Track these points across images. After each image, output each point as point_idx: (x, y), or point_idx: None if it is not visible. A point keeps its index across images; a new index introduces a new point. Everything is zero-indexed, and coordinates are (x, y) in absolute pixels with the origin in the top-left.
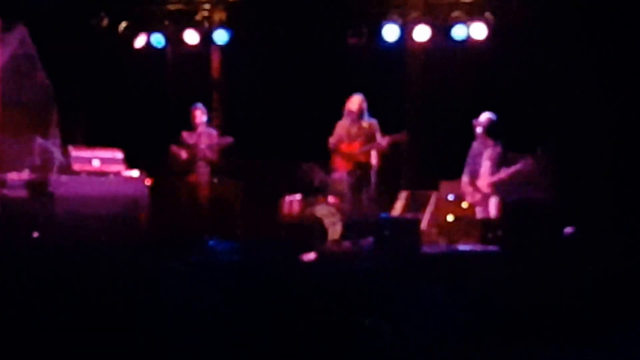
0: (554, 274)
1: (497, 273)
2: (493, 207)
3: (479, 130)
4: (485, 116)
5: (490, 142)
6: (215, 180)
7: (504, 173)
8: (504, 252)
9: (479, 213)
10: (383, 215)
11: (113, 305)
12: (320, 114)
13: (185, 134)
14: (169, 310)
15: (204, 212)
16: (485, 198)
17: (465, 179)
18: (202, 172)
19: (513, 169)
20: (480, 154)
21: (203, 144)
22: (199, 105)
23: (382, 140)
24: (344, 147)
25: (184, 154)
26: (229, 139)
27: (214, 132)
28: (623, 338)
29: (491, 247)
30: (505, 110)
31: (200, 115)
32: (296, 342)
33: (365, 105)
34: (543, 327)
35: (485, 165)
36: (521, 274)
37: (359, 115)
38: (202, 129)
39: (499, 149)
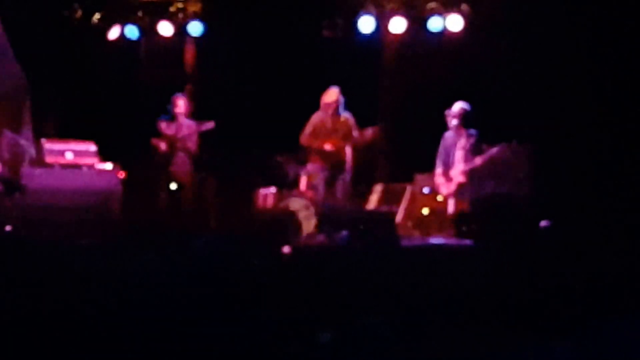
0: (529, 269)
1: (471, 267)
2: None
3: (453, 121)
4: (458, 106)
5: (464, 131)
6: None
7: (478, 160)
8: (477, 246)
9: (451, 206)
10: (360, 208)
11: (85, 301)
12: (295, 106)
13: (163, 125)
14: (143, 306)
15: (182, 205)
16: (460, 189)
17: (438, 170)
18: (182, 164)
19: (488, 154)
20: (453, 145)
21: (182, 134)
22: (181, 94)
23: (364, 134)
24: (319, 143)
25: (163, 146)
26: (210, 124)
27: (192, 122)
28: (600, 332)
29: (465, 241)
30: (481, 102)
31: (182, 104)
32: (269, 336)
33: (341, 99)
34: (517, 321)
35: (459, 155)
36: (495, 268)
37: (336, 109)
38: (182, 120)
39: (472, 139)
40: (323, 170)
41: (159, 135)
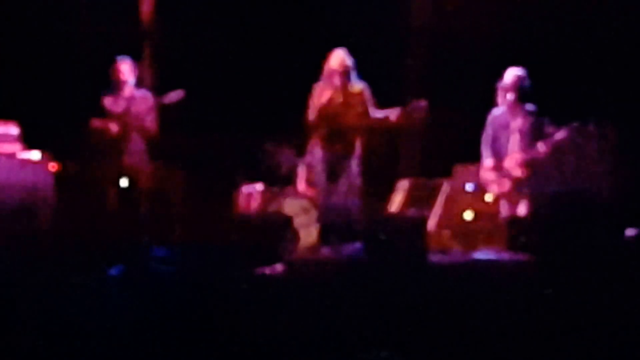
0: (609, 292)
1: (530, 290)
2: (524, 202)
3: (509, 96)
4: (512, 74)
5: (520, 108)
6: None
7: (542, 146)
8: (539, 262)
9: (505, 209)
10: (378, 212)
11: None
12: (288, 75)
13: (107, 100)
14: (76, 334)
15: (137, 207)
16: (517, 186)
17: (487, 161)
18: (137, 152)
19: (554, 139)
20: (506, 126)
21: (133, 110)
22: (125, 58)
23: (392, 114)
24: (331, 120)
25: (113, 127)
26: (176, 94)
27: (147, 94)
28: None
29: (523, 256)
30: (545, 69)
31: (127, 71)
32: None
33: (351, 63)
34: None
35: (515, 140)
36: (562, 292)
37: (345, 77)
38: (131, 91)
39: (532, 118)
40: (327, 161)
41: (102, 114)
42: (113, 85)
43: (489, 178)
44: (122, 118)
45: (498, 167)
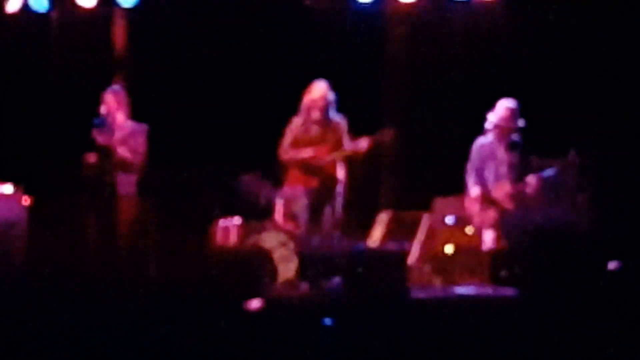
0: (592, 326)
1: (514, 325)
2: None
3: (501, 126)
4: (503, 105)
5: (508, 139)
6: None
7: (532, 181)
8: (523, 296)
9: (489, 240)
10: (356, 246)
11: None
12: (266, 106)
13: (96, 133)
14: None
15: (117, 245)
16: (503, 219)
17: (474, 190)
18: (125, 183)
19: (545, 175)
20: (492, 156)
21: (119, 142)
22: (115, 88)
23: (359, 143)
24: (303, 155)
25: (91, 158)
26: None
27: (133, 124)
28: None
29: (506, 290)
30: (525, 98)
31: (112, 100)
32: None
33: (332, 97)
34: None
35: (502, 171)
36: (547, 326)
37: (324, 110)
38: (119, 120)
39: (519, 150)
40: (306, 194)
41: (92, 146)
42: (101, 117)
43: (474, 208)
44: (107, 150)
45: (485, 198)
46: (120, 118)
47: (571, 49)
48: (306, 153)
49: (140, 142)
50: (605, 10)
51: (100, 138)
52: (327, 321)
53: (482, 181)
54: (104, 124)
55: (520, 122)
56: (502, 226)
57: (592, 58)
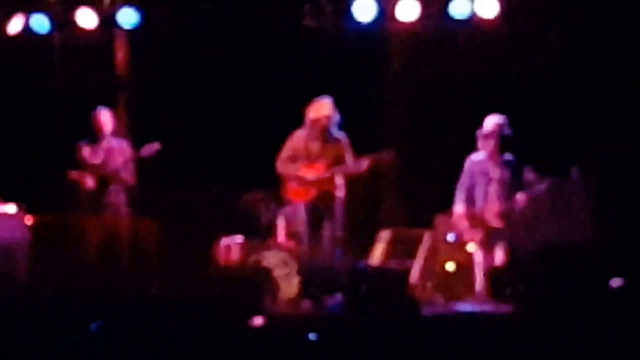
0: (594, 344)
1: (513, 343)
2: (500, 250)
3: (488, 143)
4: (494, 122)
5: (499, 157)
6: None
7: (520, 198)
8: (521, 315)
9: (480, 258)
10: (358, 264)
11: None
12: (266, 125)
13: (86, 151)
14: None
15: (115, 261)
16: (492, 236)
17: (459, 207)
18: (115, 203)
19: (535, 190)
20: (484, 174)
21: (112, 161)
22: (104, 108)
23: (360, 163)
24: (302, 170)
25: (89, 182)
26: (152, 146)
27: (125, 144)
28: None
29: (506, 307)
30: (523, 116)
31: (106, 120)
32: None
33: (334, 114)
34: None
35: (493, 189)
36: (546, 344)
37: (326, 127)
38: (110, 141)
39: (511, 168)
40: (307, 211)
41: (80, 165)
42: (92, 135)
43: (461, 226)
44: (100, 169)
45: (471, 215)
46: (111, 138)
47: (571, 66)
48: (302, 170)
49: (131, 162)
50: (604, 28)
51: (91, 158)
52: (312, 336)
53: (470, 198)
54: (94, 142)
55: (507, 131)
56: (491, 244)
57: (591, 75)
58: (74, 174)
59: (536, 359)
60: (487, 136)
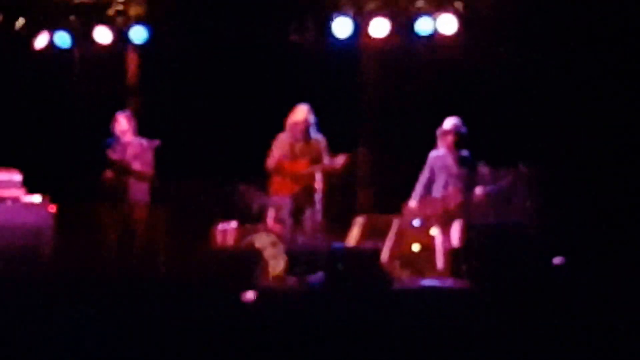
0: (539, 315)
1: (470, 313)
2: (456, 232)
3: (446, 139)
4: (451, 123)
5: (456, 153)
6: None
7: (479, 191)
8: (474, 288)
9: (440, 241)
10: (336, 245)
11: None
12: (257, 126)
13: (109, 150)
14: None
15: (132, 245)
16: (450, 221)
17: (412, 202)
18: (138, 192)
19: (495, 187)
20: (443, 167)
21: (131, 157)
22: (124, 111)
23: (335, 161)
24: (287, 166)
25: (107, 173)
26: (155, 142)
27: (142, 140)
28: None
29: (463, 282)
30: (479, 119)
31: (124, 122)
32: None
33: (312, 119)
34: None
35: (452, 182)
36: (498, 314)
37: (305, 130)
38: (129, 139)
39: (469, 164)
40: (291, 200)
41: (106, 161)
42: (114, 135)
43: (413, 209)
44: (121, 164)
45: (432, 202)
46: (130, 137)
47: (516, 76)
48: (289, 166)
49: (149, 157)
50: (543, 41)
51: (113, 155)
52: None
53: (429, 190)
54: (115, 143)
55: (462, 129)
56: (448, 228)
57: (534, 84)
58: (107, 174)
59: (489, 326)
60: (445, 134)
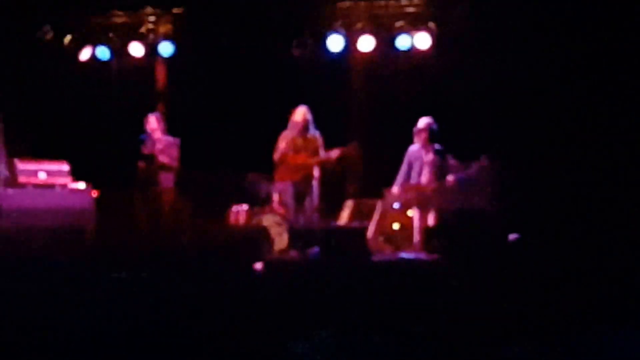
0: (497, 282)
1: (439, 281)
2: (431, 215)
3: (421, 136)
4: (424, 121)
5: (430, 147)
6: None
7: (450, 178)
8: (443, 260)
9: (416, 220)
10: (330, 225)
11: (59, 317)
12: (265, 125)
13: (142, 146)
14: (113, 321)
15: (160, 224)
16: (425, 204)
17: (395, 189)
18: (165, 180)
19: (464, 175)
20: (419, 158)
21: (159, 151)
22: (155, 113)
23: (331, 153)
24: (290, 158)
25: (140, 164)
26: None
27: (169, 138)
28: (571, 343)
29: (433, 255)
30: (449, 119)
31: (154, 122)
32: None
33: (310, 118)
34: (483, 335)
35: (426, 170)
36: (462, 282)
37: (304, 127)
38: (158, 136)
39: (439, 154)
40: (293, 187)
41: (140, 156)
42: (146, 133)
43: (396, 194)
44: (151, 158)
45: (410, 188)
46: (159, 135)
47: (482, 83)
48: (292, 158)
49: (175, 151)
50: (504, 53)
51: (145, 149)
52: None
53: (408, 178)
54: (147, 139)
55: (434, 127)
56: (425, 210)
57: (494, 91)
58: (141, 164)
59: (454, 291)
60: (419, 131)
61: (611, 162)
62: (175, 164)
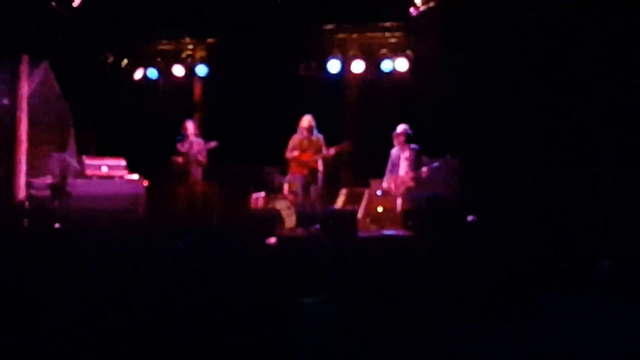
0: (459, 254)
1: (413, 253)
2: (407, 200)
3: (399, 138)
4: (402, 127)
5: (407, 147)
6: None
7: (424, 171)
8: (416, 237)
9: (399, 204)
10: (329, 208)
11: (118, 281)
12: (278, 129)
13: (179, 145)
14: (157, 282)
15: (195, 207)
16: (408, 191)
17: (384, 184)
18: (195, 173)
19: (432, 166)
20: (398, 157)
21: (194, 150)
22: (191, 120)
23: (330, 150)
24: (298, 156)
25: (179, 160)
26: (214, 143)
27: (201, 140)
28: (521, 312)
29: (410, 233)
30: (422, 125)
31: (190, 127)
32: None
33: (314, 123)
34: (448, 302)
35: (404, 165)
36: (431, 254)
37: (310, 131)
38: (193, 139)
39: (414, 152)
40: (301, 179)
41: (177, 153)
42: (183, 135)
43: (390, 187)
44: (186, 155)
45: (393, 181)
46: (194, 137)
47: (447, 98)
48: (300, 156)
49: (205, 151)
50: (466, 74)
51: (182, 148)
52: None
53: (391, 172)
54: (183, 140)
55: (409, 131)
56: (407, 196)
57: (460, 104)
58: (173, 158)
59: (424, 261)
60: (397, 135)
61: (552, 157)
62: (205, 161)
